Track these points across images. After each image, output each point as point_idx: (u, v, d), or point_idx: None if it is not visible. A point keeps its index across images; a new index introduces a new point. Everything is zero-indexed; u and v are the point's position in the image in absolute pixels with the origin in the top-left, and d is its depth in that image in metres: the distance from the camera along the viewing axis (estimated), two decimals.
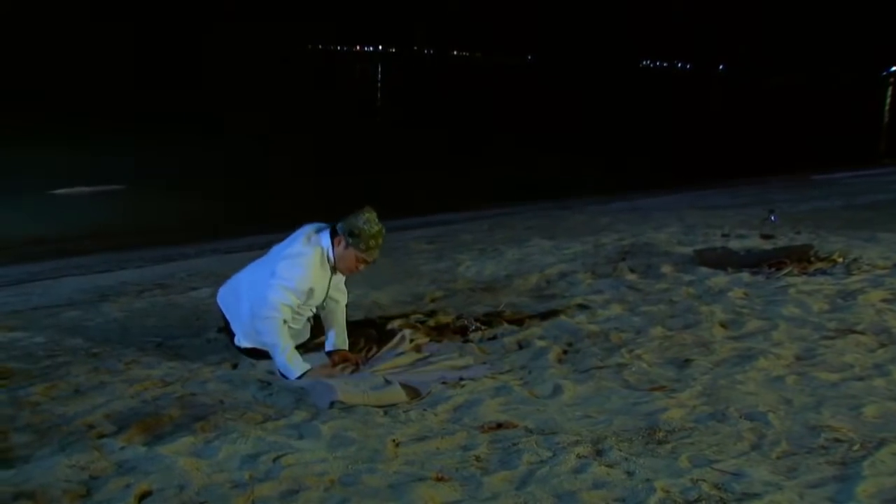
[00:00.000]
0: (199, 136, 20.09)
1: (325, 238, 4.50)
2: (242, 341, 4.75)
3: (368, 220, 4.43)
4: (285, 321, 4.44)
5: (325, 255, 4.49)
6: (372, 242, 4.43)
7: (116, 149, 17.09)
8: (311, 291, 4.50)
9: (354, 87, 53.02)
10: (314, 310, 4.71)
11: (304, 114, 29.92)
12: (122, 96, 30.57)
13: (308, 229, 4.60)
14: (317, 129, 24.98)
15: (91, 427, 3.62)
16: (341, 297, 4.81)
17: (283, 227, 5.07)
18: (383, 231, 4.50)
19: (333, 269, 4.58)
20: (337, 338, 4.77)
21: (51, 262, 9.11)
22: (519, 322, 5.45)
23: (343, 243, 4.46)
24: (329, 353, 4.71)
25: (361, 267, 4.56)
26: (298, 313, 4.62)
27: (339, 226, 4.48)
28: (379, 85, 62.12)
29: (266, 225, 11.18)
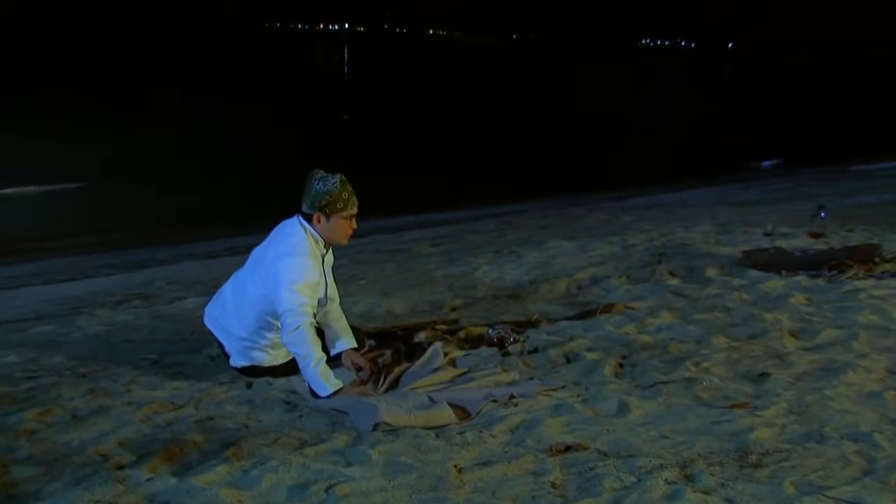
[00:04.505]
0: (154, 129, 19.96)
1: (304, 223, 4.61)
2: (238, 360, 4.77)
3: (324, 181, 4.57)
4: (312, 324, 4.45)
5: (312, 237, 4.60)
6: (345, 195, 4.57)
7: (73, 144, 16.97)
8: (319, 279, 4.60)
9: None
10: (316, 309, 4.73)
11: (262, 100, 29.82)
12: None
13: (284, 224, 4.71)
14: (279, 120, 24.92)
15: (105, 457, 3.59)
16: (335, 294, 4.91)
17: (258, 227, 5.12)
18: (345, 178, 4.62)
19: (325, 248, 4.70)
20: (344, 337, 4.82)
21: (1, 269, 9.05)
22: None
23: (322, 218, 4.58)
24: (340, 357, 4.74)
25: (354, 225, 4.69)
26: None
27: (304, 207, 4.60)
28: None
29: (241, 225, 11.26)
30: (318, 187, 4.53)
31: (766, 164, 9.57)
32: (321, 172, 4.59)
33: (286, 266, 4.45)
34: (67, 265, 9.03)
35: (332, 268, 4.89)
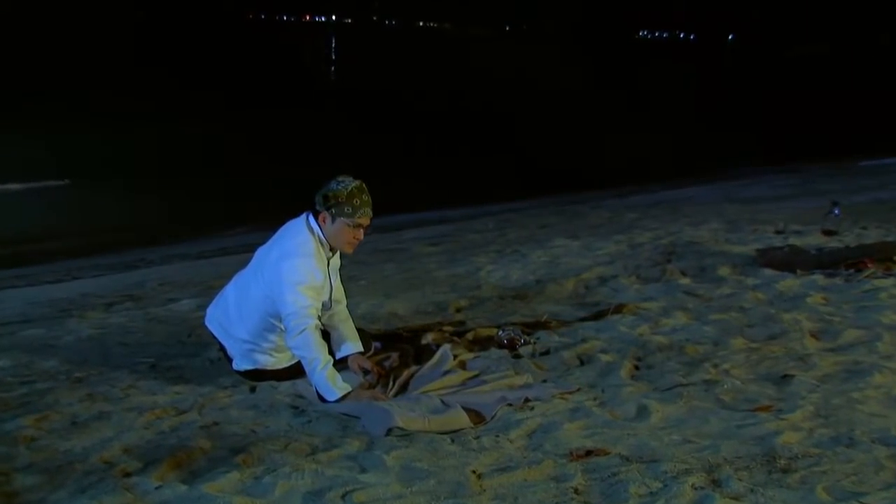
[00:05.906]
0: (139, 124, 19.92)
1: (311, 221, 4.57)
2: (241, 364, 4.75)
3: (340, 181, 4.52)
4: (317, 327, 4.44)
5: (318, 238, 4.55)
6: (356, 201, 4.49)
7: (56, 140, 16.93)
8: (324, 281, 4.56)
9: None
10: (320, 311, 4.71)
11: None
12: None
13: (290, 224, 4.67)
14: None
15: (110, 464, 3.58)
16: (341, 297, 4.90)
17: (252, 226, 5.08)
18: (363, 186, 4.55)
19: (330, 252, 4.64)
20: (350, 340, 4.80)
21: None
22: None
23: (328, 218, 4.52)
24: (345, 360, 4.73)
25: (360, 235, 4.60)
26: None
27: (316, 204, 4.56)
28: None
29: (232, 224, 11.27)
30: (332, 185, 4.50)
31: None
32: (342, 176, 4.55)
33: (289, 267, 4.43)
34: (51, 267, 8.97)
35: (339, 270, 4.88)
